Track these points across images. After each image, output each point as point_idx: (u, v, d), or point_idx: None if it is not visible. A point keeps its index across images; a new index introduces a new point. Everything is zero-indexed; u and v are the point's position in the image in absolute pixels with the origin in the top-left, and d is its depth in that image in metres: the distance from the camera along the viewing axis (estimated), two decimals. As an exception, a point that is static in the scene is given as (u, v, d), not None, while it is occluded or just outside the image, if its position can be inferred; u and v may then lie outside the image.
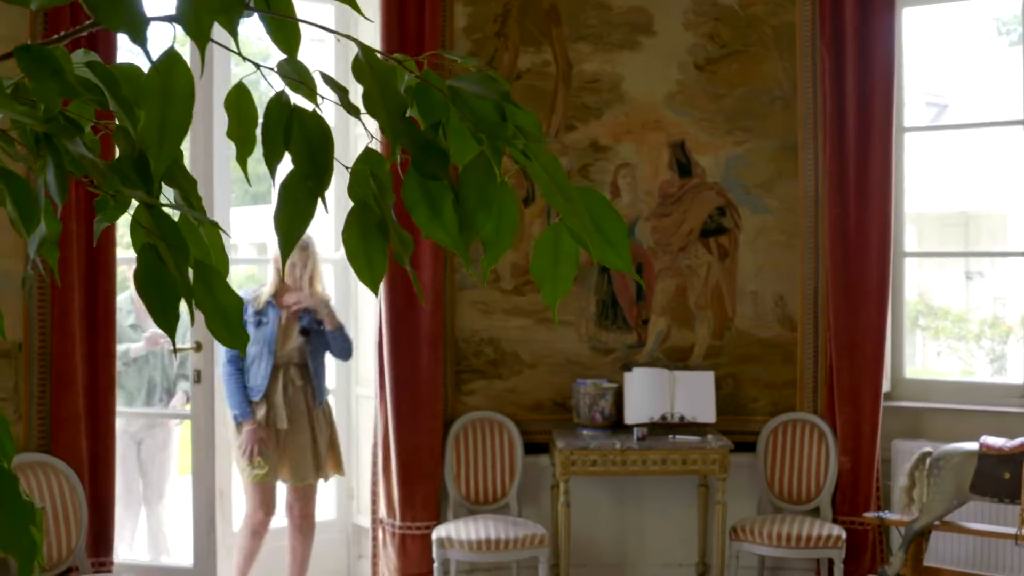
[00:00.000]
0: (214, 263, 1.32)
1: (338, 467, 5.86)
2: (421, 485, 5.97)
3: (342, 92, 1.18)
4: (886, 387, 6.15)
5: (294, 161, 1.14)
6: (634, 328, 6.24)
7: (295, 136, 1.13)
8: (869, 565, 5.93)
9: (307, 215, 1.17)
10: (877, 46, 5.94)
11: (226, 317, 1.17)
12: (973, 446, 5.17)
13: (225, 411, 5.66)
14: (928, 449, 5.34)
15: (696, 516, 6.17)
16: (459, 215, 1.17)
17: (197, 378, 5.69)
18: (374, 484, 6.09)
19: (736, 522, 5.79)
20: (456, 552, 5.60)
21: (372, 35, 6.00)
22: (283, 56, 1.22)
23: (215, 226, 1.31)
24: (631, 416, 5.95)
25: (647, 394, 5.96)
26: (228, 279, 1.28)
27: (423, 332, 5.94)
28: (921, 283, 13.31)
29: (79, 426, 5.13)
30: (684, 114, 6.20)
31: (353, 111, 1.18)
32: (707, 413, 5.96)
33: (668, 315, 6.24)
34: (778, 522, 5.74)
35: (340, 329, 5.77)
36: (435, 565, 5.65)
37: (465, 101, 1.13)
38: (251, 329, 5.58)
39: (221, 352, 5.63)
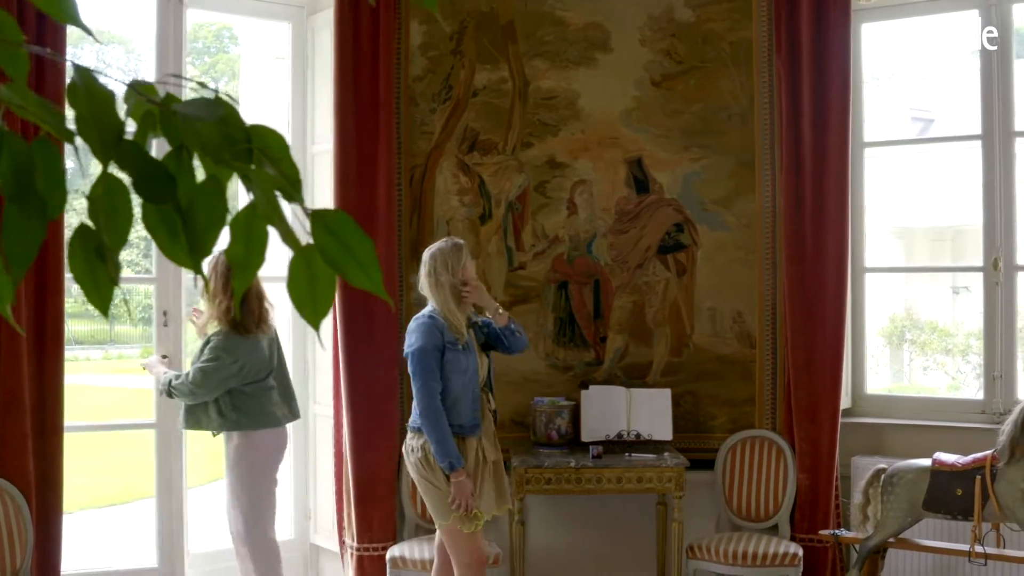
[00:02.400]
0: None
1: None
2: (378, 505, 5.94)
3: (57, 117, 1.17)
4: (847, 403, 6.12)
5: (1, 186, 1.14)
6: (592, 345, 6.21)
7: (3, 160, 1.12)
8: (828, 583, 5.89)
9: (34, 238, 1.16)
10: (833, 61, 5.93)
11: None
12: (926, 463, 5.12)
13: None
14: (883, 466, 5.30)
15: (655, 534, 6.14)
16: (187, 237, 1.17)
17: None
18: (338, 505, 6.06)
19: (693, 540, 5.75)
20: (410, 572, 5.57)
21: (328, 55, 6.00)
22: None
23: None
24: (587, 434, 5.92)
25: (604, 412, 5.94)
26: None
27: (379, 351, 5.92)
28: (908, 298, 13.27)
29: (26, 445, 5.12)
30: (641, 130, 6.19)
31: (67, 136, 1.17)
32: (664, 430, 5.93)
33: (626, 332, 6.21)
34: (735, 540, 5.70)
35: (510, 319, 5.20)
36: (388, 585, 5.62)
37: (192, 124, 1.13)
38: (456, 357, 4.93)
39: (413, 389, 4.93)
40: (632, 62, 6.19)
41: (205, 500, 9.52)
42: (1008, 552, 5.07)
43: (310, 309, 1.25)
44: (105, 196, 1.14)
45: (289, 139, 6.27)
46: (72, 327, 20.98)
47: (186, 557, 5.89)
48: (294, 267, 1.23)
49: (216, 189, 1.16)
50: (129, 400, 15.32)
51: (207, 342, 5.31)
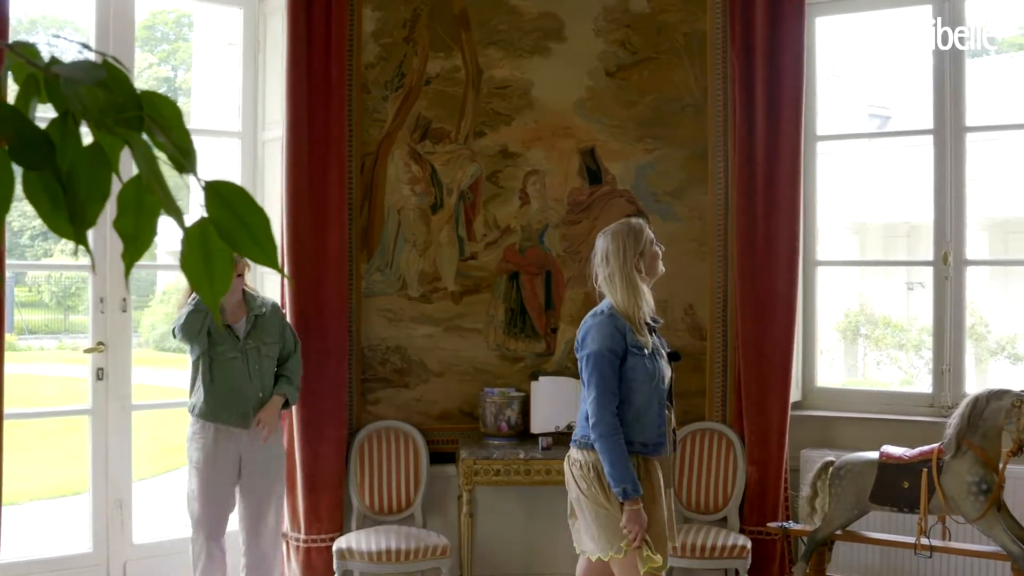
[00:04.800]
0: None
1: None
2: (327, 496, 5.88)
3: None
4: (797, 396, 6.13)
5: None
6: (543, 336, 6.18)
7: None
8: (777, 575, 5.90)
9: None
10: (786, 54, 5.92)
11: None
12: (873, 455, 5.14)
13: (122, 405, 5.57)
14: (831, 458, 5.32)
15: (604, 526, 6.10)
16: (69, 206, 1.12)
17: (100, 375, 5.73)
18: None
19: (642, 532, 5.73)
20: (357, 563, 5.52)
21: (280, 41, 5.92)
22: None
23: None
24: (537, 425, 5.89)
25: (553, 403, 5.90)
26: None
27: (329, 340, 5.85)
28: (863, 293, 13.34)
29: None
30: (595, 121, 6.15)
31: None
32: (614, 422, 5.89)
33: (577, 323, 6.13)
34: (684, 532, 5.68)
35: None
36: (335, 576, 5.57)
37: (73, 87, 1.08)
38: (640, 363, 4.25)
39: (586, 400, 4.29)
40: (586, 52, 6.15)
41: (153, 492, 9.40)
42: (953, 544, 5.11)
43: (207, 287, 1.21)
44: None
45: (240, 126, 6.22)
46: (25, 316, 20.73)
47: (127, 545, 5.81)
48: (188, 242, 1.18)
49: (99, 157, 1.11)
50: (83, 390, 15.11)
51: (272, 327, 5.31)
